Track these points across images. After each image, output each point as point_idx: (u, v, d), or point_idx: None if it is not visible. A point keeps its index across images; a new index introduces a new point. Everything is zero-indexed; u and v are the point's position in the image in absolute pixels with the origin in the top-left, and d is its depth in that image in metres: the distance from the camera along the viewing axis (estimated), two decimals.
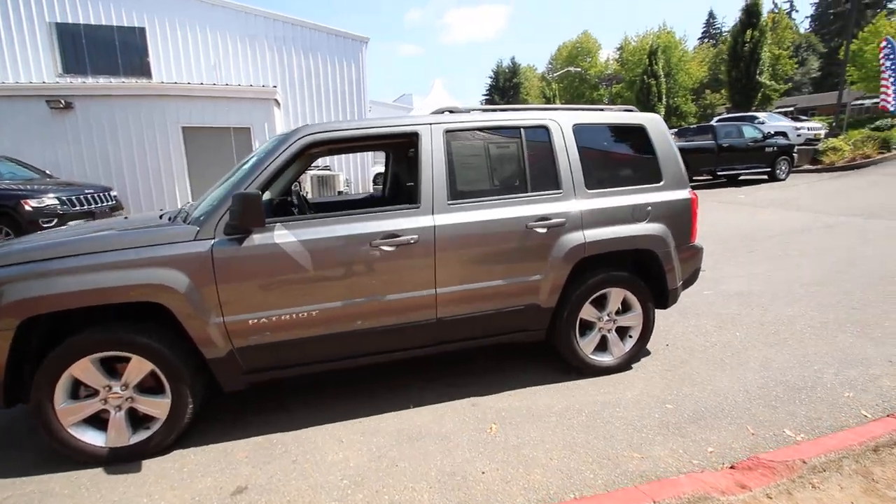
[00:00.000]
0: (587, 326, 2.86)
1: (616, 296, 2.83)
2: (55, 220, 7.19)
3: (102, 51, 14.48)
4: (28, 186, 7.40)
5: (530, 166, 2.64)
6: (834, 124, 17.78)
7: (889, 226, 6.57)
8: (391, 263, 2.38)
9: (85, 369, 2.12)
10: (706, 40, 53.19)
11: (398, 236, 2.36)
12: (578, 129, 2.75)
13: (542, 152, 2.68)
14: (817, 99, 39.42)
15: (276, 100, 12.34)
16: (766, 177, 13.20)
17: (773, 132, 14.90)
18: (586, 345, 2.83)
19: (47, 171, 8.86)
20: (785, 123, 19.10)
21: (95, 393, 2.18)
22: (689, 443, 2.18)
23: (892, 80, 17.04)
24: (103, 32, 14.36)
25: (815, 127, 19.40)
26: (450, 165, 2.51)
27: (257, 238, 2.23)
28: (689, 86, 37.94)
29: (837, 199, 9.15)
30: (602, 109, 2.96)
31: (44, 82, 12.28)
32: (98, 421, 2.22)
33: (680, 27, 60.38)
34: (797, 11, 51.65)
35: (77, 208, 7.50)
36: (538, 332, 2.77)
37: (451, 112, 2.67)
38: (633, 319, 2.90)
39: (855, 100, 28.25)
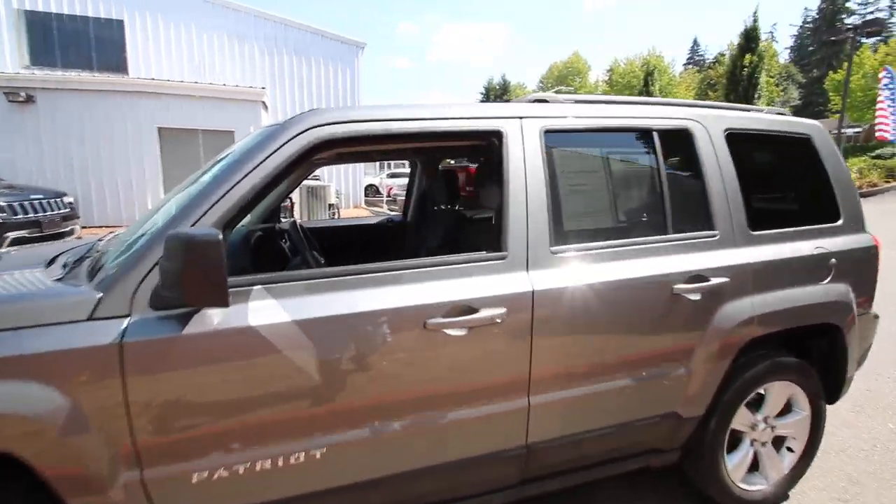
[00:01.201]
0: (733, 438, 1.87)
1: (780, 392, 1.85)
2: None
3: (75, 43, 13.31)
4: None
5: (671, 192, 1.66)
6: None
7: None
8: (458, 357, 1.35)
9: None
10: (691, 66, 54.23)
11: (474, 311, 1.33)
12: (732, 139, 1.79)
13: (685, 171, 1.71)
14: None
15: (263, 102, 11.27)
16: None
17: None
18: (735, 468, 1.83)
19: None
20: None
21: None
22: None
23: (890, 109, 16.99)
24: (77, 23, 13.19)
25: None
26: (553, 188, 1.51)
27: (216, 316, 1.18)
28: None
29: None
30: (749, 110, 2.01)
31: (2, 73, 10.96)
32: None
33: (665, 53, 61.62)
34: (777, 42, 53.20)
35: (20, 216, 6.54)
36: (671, 454, 1.76)
37: (544, 103, 1.69)
38: (797, 425, 1.91)
39: (837, 128, 28.74)
